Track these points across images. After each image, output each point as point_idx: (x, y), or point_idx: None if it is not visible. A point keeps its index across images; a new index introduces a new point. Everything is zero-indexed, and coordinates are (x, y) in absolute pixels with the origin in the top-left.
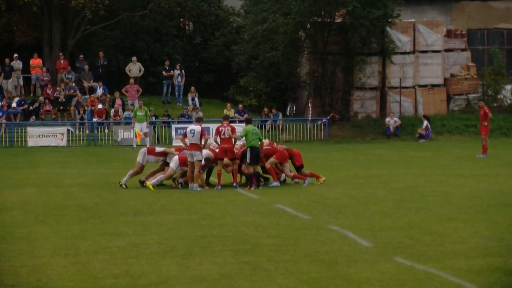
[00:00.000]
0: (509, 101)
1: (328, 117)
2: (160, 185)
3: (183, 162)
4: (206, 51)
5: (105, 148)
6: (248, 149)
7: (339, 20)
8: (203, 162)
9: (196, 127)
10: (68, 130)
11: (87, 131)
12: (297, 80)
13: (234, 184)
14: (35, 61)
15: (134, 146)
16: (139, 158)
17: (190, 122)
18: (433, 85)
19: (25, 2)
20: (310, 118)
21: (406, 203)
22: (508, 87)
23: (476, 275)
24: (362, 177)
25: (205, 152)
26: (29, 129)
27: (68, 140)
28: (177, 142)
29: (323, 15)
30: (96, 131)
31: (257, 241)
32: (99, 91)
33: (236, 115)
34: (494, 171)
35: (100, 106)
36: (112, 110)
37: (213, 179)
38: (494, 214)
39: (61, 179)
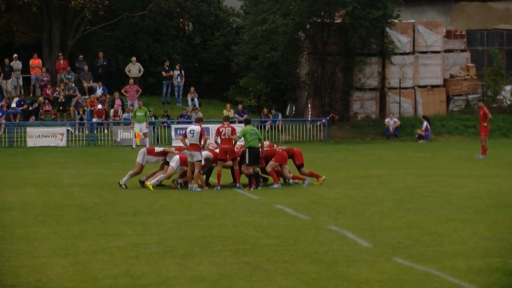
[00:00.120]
0: (508, 102)
1: (328, 118)
2: (159, 185)
3: (183, 162)
4: (206, 52)
5: (104, 149)
6: (247, 149)
7: (338, 20)
8: (203, 162)
9: (196, 128)
10: (68, 130)
11: (87, 132)
12: (296, 80)
13: (238, 185)
14: (35, 62)
15: (134, 146)
16: (139, 159)
17: (190, 123)
18: (433, 86)
19: (25, 2)
20: (309, 119)
21: (405, 203)
22: (508, 87)
23: (476, 275)
24: (362, 177)
25: (205, 152)
26: (28, 129)
27: (67, 140)
28: (176, 143)
29: (322, 16)
30: (95, 132)
31: (256, 241)
32: (99, 92)
33: (236, 115)
34: (493, 171)
35: (99, 106)
36: (112, 110)
37: (212, 179)
38: (493, 214)
39: (60, 180)
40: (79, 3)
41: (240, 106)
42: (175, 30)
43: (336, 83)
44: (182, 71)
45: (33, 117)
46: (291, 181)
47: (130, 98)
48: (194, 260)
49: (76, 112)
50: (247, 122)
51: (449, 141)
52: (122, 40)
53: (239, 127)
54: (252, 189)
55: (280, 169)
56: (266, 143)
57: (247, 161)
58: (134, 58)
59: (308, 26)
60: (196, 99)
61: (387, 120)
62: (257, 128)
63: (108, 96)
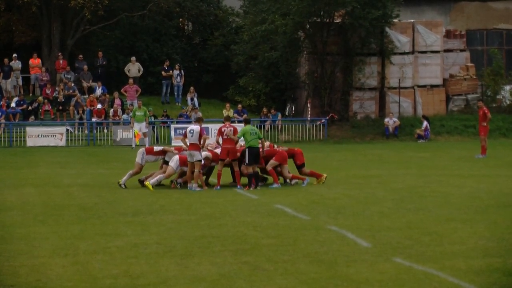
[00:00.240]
0: (508, 102)
1: (327, 118)
2: (159, 185)
3: (183, 162)
4: (205, 51)
5: (104, 148)
6: (247, 149)
7: (338, 20)
8: (202, 162)
9: (195, 127)
10: (67, 130)
11: (86, 131)
12: (296, 80)
13: (238, 186)
14: (34, 61)
15: (133, 146)
16: (138, 158)
17: (189, 122)
18: (432, 86)
19: (24, 2)
20: (309, 119)
21: (405, 203)
22: (507, 87)
23: (475, 275)
24: (361, 177)
25: (204, 152)
26: (28, 129)
27: (67, 140)
28: (176, 142)
29: (322, 16)
30: (95, 131)
31: (256, 241)
32: (98, 91)
33: (235, 115)
34: (493, 171)
35: (99, 106)
36: (111, 110)
37: (212, 179)
38: (493, 214)
39: (60, 179)
40: (79, 3)
41: (239, 106)
42: (175, 30)
43: (335, 83)
44: (182, 71)
45: (32, 117)
46: (292, 181)
47: (130, 98)
48: (193, 260)
49: (75, 111)
50: (246, 121)
51: (449, 141)
52: (122, 40)
53: (239, 127)
54: (251, 188)
55: (280, 169)
56: (267, 143)
57: (246, 161)
58: (133, 58)
59: (308, 26)
60: (195, 99)
61: (386, 120)
62: (257, 128)
63: (107, 95)
